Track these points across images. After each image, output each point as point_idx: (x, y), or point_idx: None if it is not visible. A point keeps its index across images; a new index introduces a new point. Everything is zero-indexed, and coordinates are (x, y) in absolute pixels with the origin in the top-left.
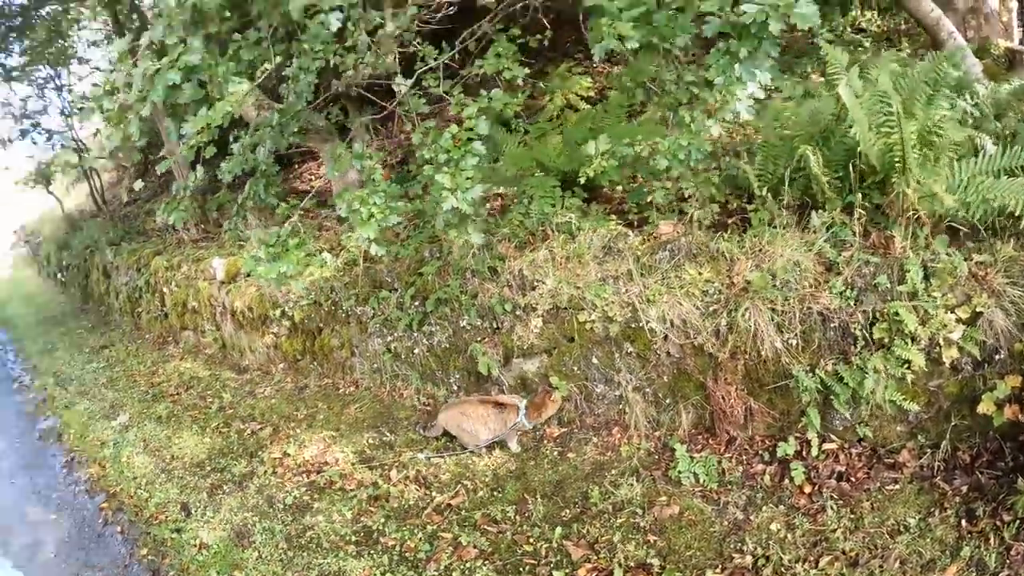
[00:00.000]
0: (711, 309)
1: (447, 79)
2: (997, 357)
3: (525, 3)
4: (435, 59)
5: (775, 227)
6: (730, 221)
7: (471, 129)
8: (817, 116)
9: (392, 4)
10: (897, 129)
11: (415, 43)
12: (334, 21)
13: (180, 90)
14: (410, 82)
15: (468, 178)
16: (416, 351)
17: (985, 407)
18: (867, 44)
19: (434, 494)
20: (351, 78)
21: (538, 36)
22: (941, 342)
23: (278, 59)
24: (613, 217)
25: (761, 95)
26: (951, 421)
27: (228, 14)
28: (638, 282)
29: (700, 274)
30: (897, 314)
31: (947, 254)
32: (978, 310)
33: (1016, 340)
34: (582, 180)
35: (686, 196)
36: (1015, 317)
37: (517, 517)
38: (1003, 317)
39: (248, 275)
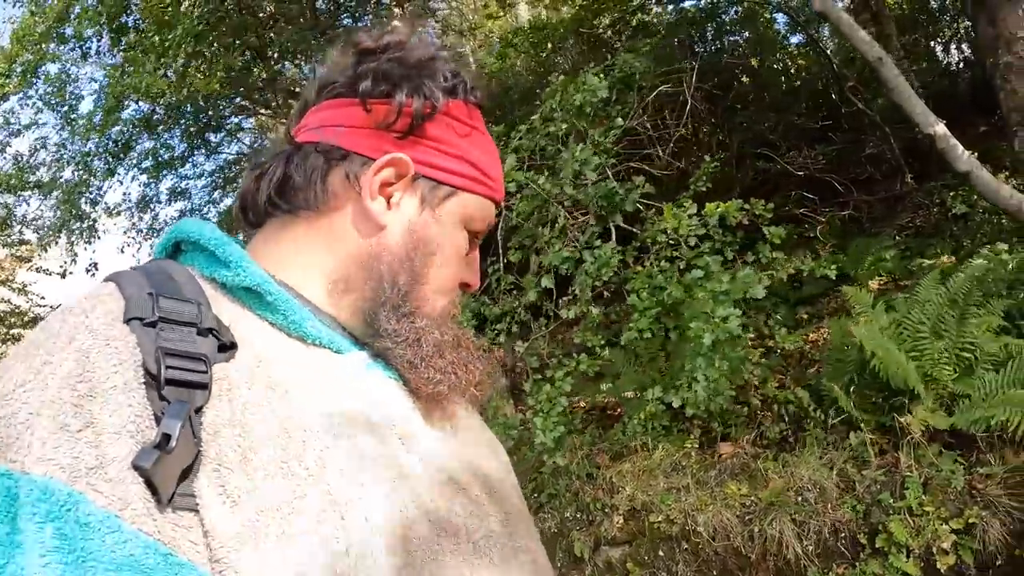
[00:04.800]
0: (747, 518)
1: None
2: (998, 563)
3: None
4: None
5: (815, 445)
6: (787, 439)
7: (558, 386)
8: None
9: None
10: (907, 357)
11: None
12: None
13: None
14: (526, 345)
15: (554, 422)
16: None
17: None
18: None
19: None
20: None
21: None
22: (936, 551)
23: None
24: (691, 436)
25: None
26: None
27: None
28: (693, 493)
29: (739, 489)
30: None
31: (950, 470)
32: (971, 521)
33: (1015, 548)
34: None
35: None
36: (1009, 526)
37: None
38: (998, 527)
39: None
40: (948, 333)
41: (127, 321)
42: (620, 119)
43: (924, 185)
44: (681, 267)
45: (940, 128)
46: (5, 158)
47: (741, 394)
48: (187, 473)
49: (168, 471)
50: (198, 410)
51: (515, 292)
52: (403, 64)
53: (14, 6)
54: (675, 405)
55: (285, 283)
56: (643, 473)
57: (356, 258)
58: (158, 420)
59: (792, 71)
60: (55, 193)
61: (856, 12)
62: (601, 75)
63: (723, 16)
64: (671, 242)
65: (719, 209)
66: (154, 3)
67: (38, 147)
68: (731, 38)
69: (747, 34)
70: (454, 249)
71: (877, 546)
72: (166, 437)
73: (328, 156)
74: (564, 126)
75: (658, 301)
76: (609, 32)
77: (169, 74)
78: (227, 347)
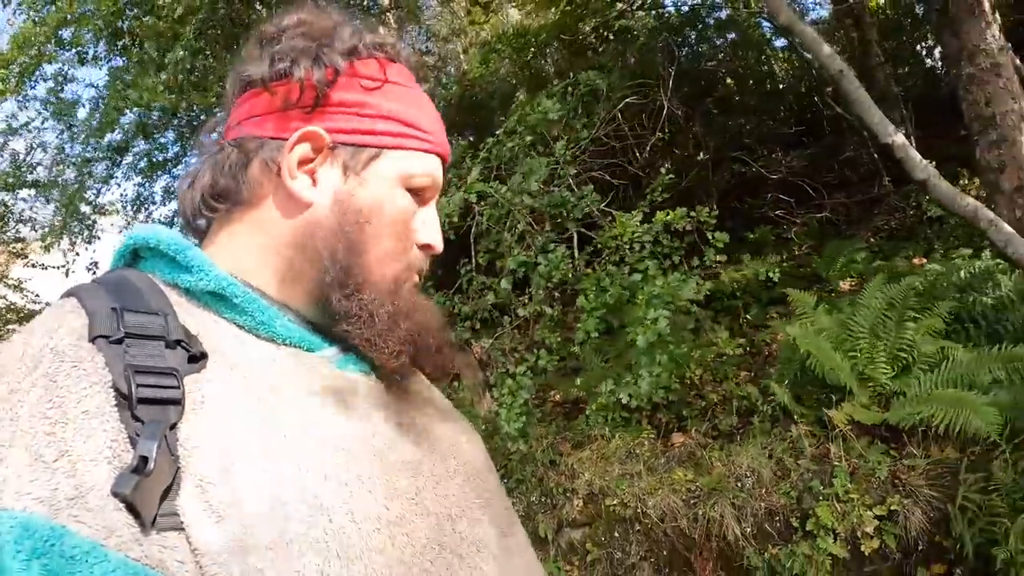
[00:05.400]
0: (691, 502)
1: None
2: (920, 548)
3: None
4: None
5: (759, 437)
6: (737, 431)
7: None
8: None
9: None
10: (845, 357)
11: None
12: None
13: None
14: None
15: (517, 413)
16: None
17: None
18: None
19: None
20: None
21: None
22: (860, 535)
23: None
24: (647, 427)
25: None
26: None
27: None
28: (645, 479)
29: (685, 475)
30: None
31: (877, 461)
32: (892, 508)
33: (935, 534)
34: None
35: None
36: (930, 515)
37: None
38: (920, 515)
39: None
40: (887, 335)
41: (93, 340)
42: (585, 131)
43: (901, 188)
44: (626, 271)
45: (898, 138)
46: (3, 157)
47: (699, 388)
48: (168, 492)
49: (148, 494)
50: (173, 426)
51: (484, 292)
52: (301, 39)
53: (15, 14)
54: (623, 399)
55: (248, 282)
56: (600, 460)
57: (292, 242)
58: (133, 442)
59: (775, 75)
60: (55, 193)
61: (839, 17)
62: (558, 95)
63: (708, 19)
64: (619, 247)
65: (667, 217)
66: (152, 22)
67: (34, 146)
68: (714, 42)
69: (732, 36)
70: (394, 211)
71: (808, 529)
72: (143, 460)
73: (245, 148)
74: (529, 138)
75: (603, 303)
76: (592, 37)
77: (167, 86)
78: (197, 358)
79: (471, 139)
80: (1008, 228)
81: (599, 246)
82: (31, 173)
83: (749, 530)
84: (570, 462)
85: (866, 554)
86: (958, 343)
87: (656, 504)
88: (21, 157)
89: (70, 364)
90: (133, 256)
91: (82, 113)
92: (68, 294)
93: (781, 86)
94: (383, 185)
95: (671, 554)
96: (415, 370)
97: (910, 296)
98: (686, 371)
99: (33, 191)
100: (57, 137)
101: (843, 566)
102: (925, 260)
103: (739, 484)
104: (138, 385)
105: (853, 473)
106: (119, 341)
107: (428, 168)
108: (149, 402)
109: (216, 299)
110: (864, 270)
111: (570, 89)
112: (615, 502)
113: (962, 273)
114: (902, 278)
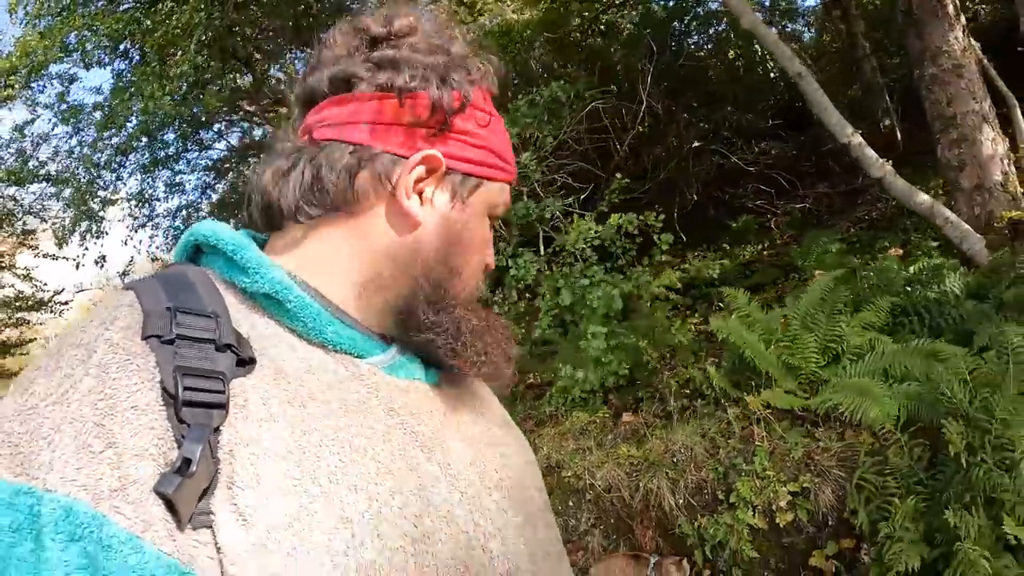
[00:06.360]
0: (633, 475)
1: None
2: (829, 523)
3: None
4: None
5: (698, 418)
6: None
7: None
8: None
9: None
10: (777, 347)
11: None
12: None
13: None
14: None
15: None
16: None
17: (816, 561)
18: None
19: None
20: None
21: None
22: (776, 509)
23: None
24: (603, 407)
25: None
26: (800, 572)
27: None
28: (595, 454)
29: (628, 451)
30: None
31: (795, 442)
32: (804, 485)
33: (843, 511)
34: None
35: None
36: (838, 493)
37: None
38: (830, 492)
39: None
40: (817, 327)
41: (146, 338)
42: (551, 138)
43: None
44: (578, 273)
45: (856, 139)
46: (11, 152)
47: (656, 373)
48: (205, 492)
49: (188, 494)
50: (216, 429)
51: None
52: (424, 53)
53: (21, 25)
54: (580, 383)
55: (309, 285)
56: (558, 436)
57: (392, 256)
58: (178, 443)
59: (759, 68)
60: (67, 192)
61: (827, 9)
62: (524, 105)
63: (697, 10)
64: (574, 251)
65: (620, 219)
66: (157, 36)
67: (40, 141)
68: (701, 35)
69: (723, 25)
70: (481, 237)
71: (731, 502)
72: (187, 462)
73: (358, 155)
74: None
75: (557, 304)
76: (577, 33)
77: (170, 93)
78: (245, 362)
79: None
80: (964, 224)
81: (558, 248)
82: (41, 168)
83: (682, 501)
84: (532, 438)
85: (781, 526)
86: (903, 336)
87: (603, 476)
88: (28, 152)
89: (123, 357)
90: (195, 251)
91: (88, 119)
92: (128, 288)
93: (770, 76)
94: (478, 212)
95: (617, 522)
96: (480, 379)
97: (839, 290)
98: (643, 356)
99: (44, 184)
100: (64, 142)
101: (763, 537)
102: (902, 251)
103: (674, 460)
104: (186, 388)
105: (772, 452)
106: (171, 342)
107: (506, 197)
108: (195, 405)
109: (271, 302)
110: (837, 261)
111: (536, 99)
112: (569, 474)
113: (911, 269)
114: (853, 272)
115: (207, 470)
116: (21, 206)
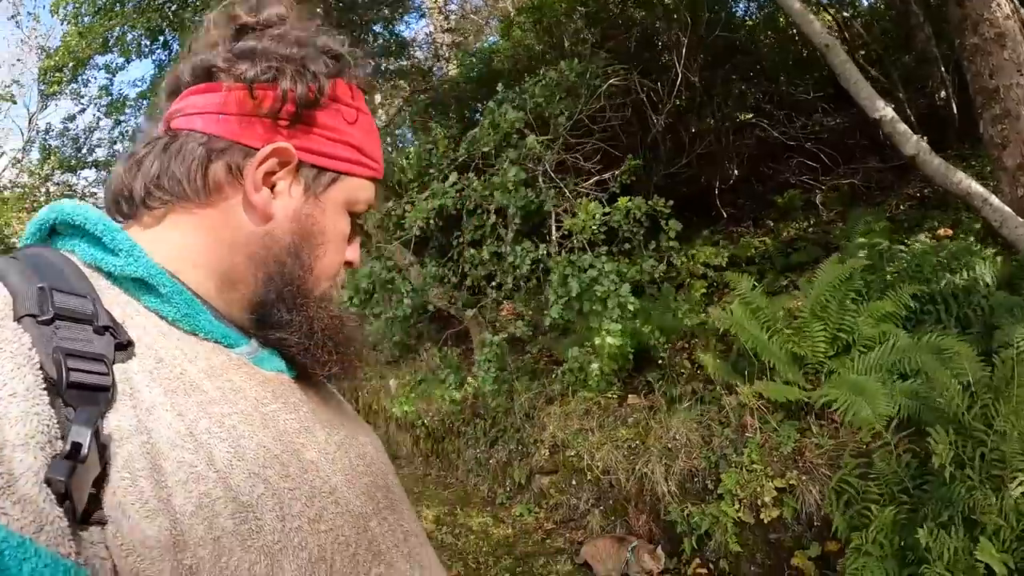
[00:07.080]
0: (630, 458)
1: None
2: (815, 524)
3: None
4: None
5: (699, 405)
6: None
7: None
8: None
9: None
10: (781, 336)
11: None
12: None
13: None
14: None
15: (493, 376)
16: (491, 461)
17: (798, 561)
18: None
19: None
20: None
21: None
22: (761, 504)
23: None
24: (612, 388)
25: None
26: (785, 570)
27: None
28: (596, 435)
29: (626, 434)
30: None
31: (787, 436)
32: (791, 483)
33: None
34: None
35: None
36: (825, 492)
37: None
38: (816, 492)
39: (411, 394)
40: (828, 315)
41: (18, 319)
42: (564, 119)
43: (939, 154)
44: (586, 262)
45: (888, 112)
46: (64, 142)
47: (668, 355)
48: (98, 483)
49: (82, 483)
50: (102, 415)
51: (475, 266)
52: (284, 43)
53: (62, 23)
54: (589, 366)
55: (175, 275)
56: (563, 416)
57: (243, 250)
58: (64, 428)
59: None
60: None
61: None
62: (527, 95)
63: None
64: (584, 231)
65: (628, 203)
66: (187, 17)
67: (89, 131)
68: (749, 2)
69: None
70: (338, 234)
71: (719, 493)
72: (76, 446)
73: (208, 146)
74: (515, 127)
75: (566, 292)
76: (613, 7)
77: None
78: (124, 345)
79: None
80: (1004, 207)
81: (567, 231)
82: (91, 155)
83: (674, 488)
84: (541, 416)
85: (766, 522)
86: (925, 328)
87: (602, 458)
88: (82, 140)
89: None
90: (49, 232)
91: (135, 106)
92: None
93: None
94: (335, 209)
95: (615, 503)
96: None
97: (855, 277)
98: (651, 340)
99: (94, 170)
100: (108, 133)
101: (750, 531)
102: (951, 231)
103: (669, 446)
104: (69, 369)
105: (763, 445)
106: (48, 322)
107: (370, 195)
108: (79, 387)
109: (140, 287)
110: (881, 240)
111: (550, 78)
112: (571, 453)
113: (942, 254)
114: (880, 255)
115: (96, 459)
116: (75, 192)
